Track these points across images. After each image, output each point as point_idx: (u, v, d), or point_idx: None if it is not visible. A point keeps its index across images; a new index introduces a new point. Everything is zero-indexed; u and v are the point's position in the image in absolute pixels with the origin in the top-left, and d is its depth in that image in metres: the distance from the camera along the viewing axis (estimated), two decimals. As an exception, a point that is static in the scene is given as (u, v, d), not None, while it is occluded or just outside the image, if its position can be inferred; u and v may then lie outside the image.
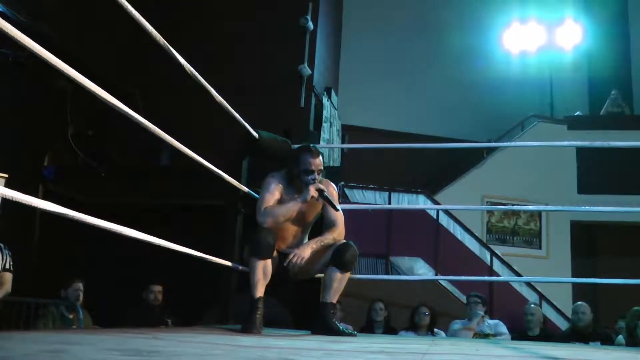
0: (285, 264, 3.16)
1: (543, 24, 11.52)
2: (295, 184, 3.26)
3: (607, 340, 5.37)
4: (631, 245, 9.96)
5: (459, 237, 7.28)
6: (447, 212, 7.23)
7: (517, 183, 9.14)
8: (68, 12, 6.56)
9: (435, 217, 7.14)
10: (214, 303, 4.32)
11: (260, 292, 3.09)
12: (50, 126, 6.79)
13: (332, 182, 3.44)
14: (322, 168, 3.25)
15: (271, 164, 3.74)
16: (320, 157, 3.25)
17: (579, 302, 5.68)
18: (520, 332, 5.72)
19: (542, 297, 7.05)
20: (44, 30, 5.68)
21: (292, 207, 3.20)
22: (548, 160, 9.22)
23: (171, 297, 5.86)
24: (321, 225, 3.35)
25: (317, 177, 3.21)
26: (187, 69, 2.76)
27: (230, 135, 4.02)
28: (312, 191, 3.17)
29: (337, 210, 3.26)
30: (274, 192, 3.25)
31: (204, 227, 5.29)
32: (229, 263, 3.53)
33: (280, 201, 3.24)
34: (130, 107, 2.26)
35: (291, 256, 3.13)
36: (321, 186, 3.21)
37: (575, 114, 10.36)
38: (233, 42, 7.57)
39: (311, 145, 3.34)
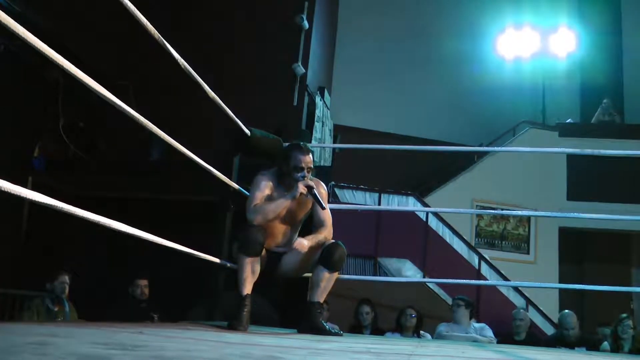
0: (288, 251, 3.22)
1: (537, 31, 11.58)
2: (286, 182, 3.26)
3: (593, 346, 5.39)
4: (618, 253, 10.04)
5: (447, 240, 7.29)
6: (436, 214, 7.24)
7: (507, 188, 9.18)
8: (63, 4, 6.52)
9: (424, 219, 7.15)
10: (201, 299, 4.31)
11: (248, 289, 3.09)
12: (41, 117, 6.75)
13: (323, 181, 3.45)
14: (312, 166, 3.25)
15: (262, 161, 3.73)
16: (311, 155, 3.26)
17: (566, 311, 5.69)
18: (506, 336, 5.74)
19: (528, 301, 7.08)
20: (37, 19, 5.64)
21: (282, 204, 3.19)
22: (538, 166, 9.27)
23: (158, 292, 5.84)
24: (310, 224, 3.36)
25: (307, 174, 3.21)
26: (181, 65, 2.75)
27: (222, 132, 4.02)
28: (301, 187, 3.17)
29: (323, 208, 3.27)
30: (263, 190, 3.25)
31: (194, 223, 5.27)
32: (217, 260, 3.52)
33: (270, 199, 3.23)
34: (122, 101, 2.25)
35: (295, 244, 3.16)
36: (311, 183, 3.21)
37: (567, 121, 10.44)
38: (228, 40, 7.55)
39: (301, 143, 3.35)
